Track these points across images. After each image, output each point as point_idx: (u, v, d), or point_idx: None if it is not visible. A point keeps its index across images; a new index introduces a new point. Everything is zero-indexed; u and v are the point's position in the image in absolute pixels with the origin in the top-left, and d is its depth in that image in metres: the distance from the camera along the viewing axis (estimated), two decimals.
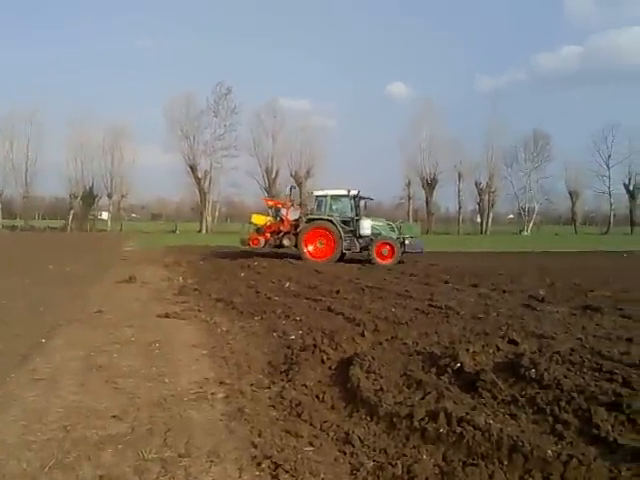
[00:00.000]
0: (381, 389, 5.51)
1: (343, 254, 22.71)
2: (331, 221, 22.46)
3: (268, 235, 22.62)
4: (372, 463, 4.05)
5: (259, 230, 22.85)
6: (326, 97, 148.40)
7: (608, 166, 76.98)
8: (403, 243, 22.69)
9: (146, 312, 10.28)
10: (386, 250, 22.16)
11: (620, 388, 5.20)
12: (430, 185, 74.48)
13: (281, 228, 22.64)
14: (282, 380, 6.08)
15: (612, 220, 78.50)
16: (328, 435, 4.60)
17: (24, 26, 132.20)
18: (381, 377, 5.88)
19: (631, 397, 4.88)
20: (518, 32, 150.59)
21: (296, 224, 22.71)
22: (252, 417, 4.88)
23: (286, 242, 22.60)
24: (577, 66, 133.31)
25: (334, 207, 23.18)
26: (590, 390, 5.12)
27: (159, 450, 4.17)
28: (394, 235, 22.96)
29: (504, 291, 13.12)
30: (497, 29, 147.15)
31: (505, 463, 3.91)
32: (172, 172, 73.12)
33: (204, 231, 68.60)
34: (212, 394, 5.54)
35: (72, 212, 71.42)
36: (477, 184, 76.90)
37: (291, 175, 73.21)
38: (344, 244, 22.41)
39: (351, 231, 22.70)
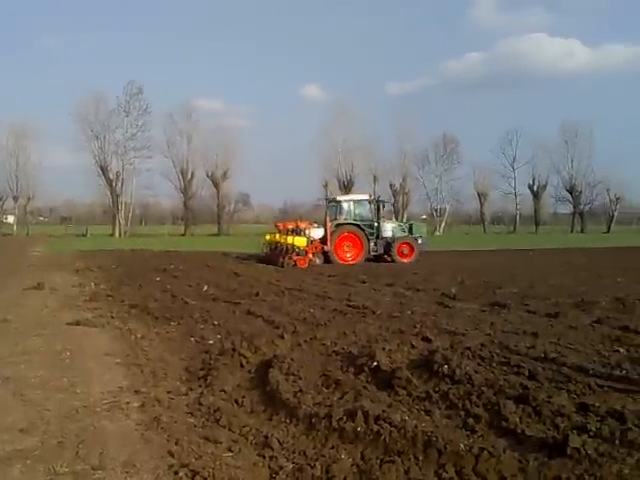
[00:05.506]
0: (300, 390, 5.54)
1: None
2: (358, 225, 23.46)
3: (311, 256, 22.25)
4: (291, 465, 4.07)
5: (300, 252, 21.98)
6: (240, 98, 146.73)
7: (513, 168, 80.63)
8: (416, 242, 24.32)
9: (56, 320, 9.81)
10: (406, 249, 23.84)
11: (527, 381, 5.50)
12: (346, 187, 75.30)
13: (325, 248, 22.68)
14: (200, 386, 5.99)
15: (518, 219, 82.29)
16: (247, 440, 4.58)
17: None
18: (300, 378, 5.92)
19: (537, 389, 5.18)
20: (426, 39, 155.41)
21: (323, 242, 22.85)
22: (169, 425, 4.77)
23: (318, 260, 22.62)
24: (481, 72, 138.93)
25: (356, 211, 24.19)
26: (499, 384, 5.38)
27: (71, 463, 3.99)
28: (405, 235, 24.47)
29: (418, 290, 13.52)
30: (405, 35, 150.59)
31: (420, 458, 4.03)
32: (82, 173, 69.66)
33: (117, 234, 66.35)
34: (127, 403, 5.37)
35: None
36: (391, 186, 78.56)
37: (207, 176, 72.25)
38: (371, 246, 23.42)
39: (372, 233, 23.65)
